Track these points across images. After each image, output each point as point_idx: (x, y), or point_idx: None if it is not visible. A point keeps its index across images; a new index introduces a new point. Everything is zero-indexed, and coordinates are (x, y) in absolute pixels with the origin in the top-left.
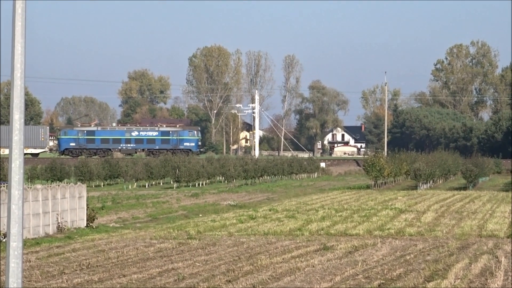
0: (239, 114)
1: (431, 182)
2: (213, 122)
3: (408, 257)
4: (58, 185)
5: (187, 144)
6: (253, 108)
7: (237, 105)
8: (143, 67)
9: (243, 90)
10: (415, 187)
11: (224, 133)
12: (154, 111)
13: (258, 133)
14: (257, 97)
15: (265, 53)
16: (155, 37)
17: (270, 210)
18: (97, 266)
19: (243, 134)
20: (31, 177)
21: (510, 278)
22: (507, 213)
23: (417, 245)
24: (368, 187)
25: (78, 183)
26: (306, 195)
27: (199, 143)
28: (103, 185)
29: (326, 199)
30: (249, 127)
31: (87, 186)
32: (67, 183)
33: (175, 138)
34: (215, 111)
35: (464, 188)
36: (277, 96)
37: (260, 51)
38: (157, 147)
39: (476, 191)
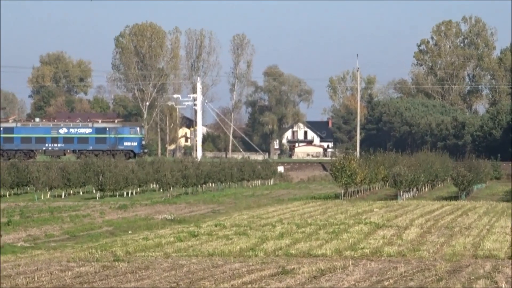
0: (177, 106)
1: (414, 190)
2: (145, 116)
3: (386, 283)
4: None
5: (128, 143)
6: (195, 100)
7: (175, 96)
8: (58, 50)
9: (182, 77)
10: (394, 197)
11: (159, 130)
12: (72, 103)
13: (200, 130)
14: (199, 86)
15: (209, 32)
16: (73, 12)
17: (216, 226)
18: None
19: (183, 131)
20: None
21: None
22: (508, 228)
23: (397, 268)
24: (336, 196)
25: None
26: (260, 206)
27: (143, 142)
28: (9, 195)
29: (285, 211)
30: (189, 123)
31: None
32: None
33: (113, 136)
34: (147, 103)
35: (456, 197)
36: (224, 84)
37: (202, 29)
38: (90, 148)
39: (470, 201)
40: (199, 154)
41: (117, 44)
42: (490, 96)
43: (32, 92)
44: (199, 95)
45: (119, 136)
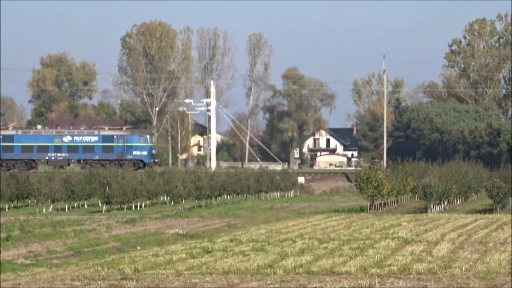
0: (189, 112)
1: (445, 202)
2: (154, 123)
3: None
4: None
5: (137, 152)
6: (208, 105)
7: (187, 101)
8: (60, 51)
9: (194, 80)
10: (424, 210)
11: (169, 138)
12: (75, 108)
13: (214, 138)
14: (213, 90)
15: (223, 31)
16: (76, 11)
17: (231, 241)
18: None
19: (195, 139)
20: None
21: None
22: None
23: (427, 286)
24: (362, 209)
25: None
26: (279, 220)
27: (153, 151)
28: (8, 208)
29: (306, 225)
30: (203, 130)
31: None
32: None
33: (121, 145)
34: (157, 109)
35: (490, 210)
36: (239, 88)
37: (216, 28)
38: (97, 157)
39: (506, 214)
40: (213, 164)
41: (123, 45)
42: None
43: (32, 97)
44: (212, 100)
45: (128, 144)
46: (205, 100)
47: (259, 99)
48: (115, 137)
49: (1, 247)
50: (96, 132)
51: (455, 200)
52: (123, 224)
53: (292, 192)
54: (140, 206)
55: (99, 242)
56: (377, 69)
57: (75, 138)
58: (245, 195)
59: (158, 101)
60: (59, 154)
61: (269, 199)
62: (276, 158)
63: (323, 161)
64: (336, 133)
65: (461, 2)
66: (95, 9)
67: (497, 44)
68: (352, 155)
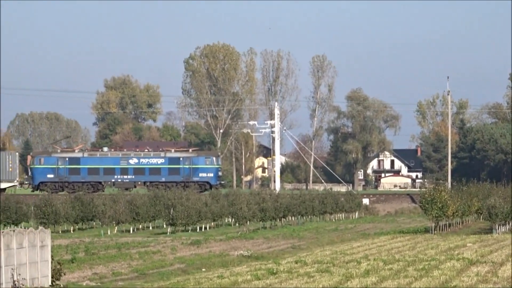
0: (253, 134)
1: (511, 223)
2: (219, 145)
3: None
4: (13, 231)
5: (204, 174)
6: (272, 126)
7: (251, 123)
8: (124, 73)
9: (259, 102)
10: (489, 230)
11: (234, 159)
12: (139, 131)
13: (279, 159)
14: (277, 112)
15: (286, 53)
16: (140, 33)
17: (296, 263)
18: None
19: (259, 161)
20: None
21: None
22: None
23: None
24: (426, 230)
25: (40, 227)
26: (344, 241)
27: (219, 173)
28: (73, 230)
29: (371, 247)
30: (267, 152)
31: (51, 232)
32: (25, 228)
33: (187, 166)
34: (221, 131)
35: None
36: (303, 110)
37: (279, 50)
38: (163, 179)
39: None
40: (277, 185)
41: (187, 67)
42: None
43: (96, 119)
44: (277, 122)
45: (194, 166)
46: (269, 122)
47: (323, 121)
48: (181, 159)
49: (66, 270)
50: (162, 154)
51: None
52: (187, 246)
53: (356, 214)
54: (205, 228)
55: (164, 264)
56: (441, 90)
57: (141, 160)
58: (309, 216)
59: (222, 123)
60: (125, 177)
61: (333, 220)
62: (341, 179)
63: (387, 182)
64: (401, 154)
65: None
66: (158, 32)
67: None
68: (417, 176)
